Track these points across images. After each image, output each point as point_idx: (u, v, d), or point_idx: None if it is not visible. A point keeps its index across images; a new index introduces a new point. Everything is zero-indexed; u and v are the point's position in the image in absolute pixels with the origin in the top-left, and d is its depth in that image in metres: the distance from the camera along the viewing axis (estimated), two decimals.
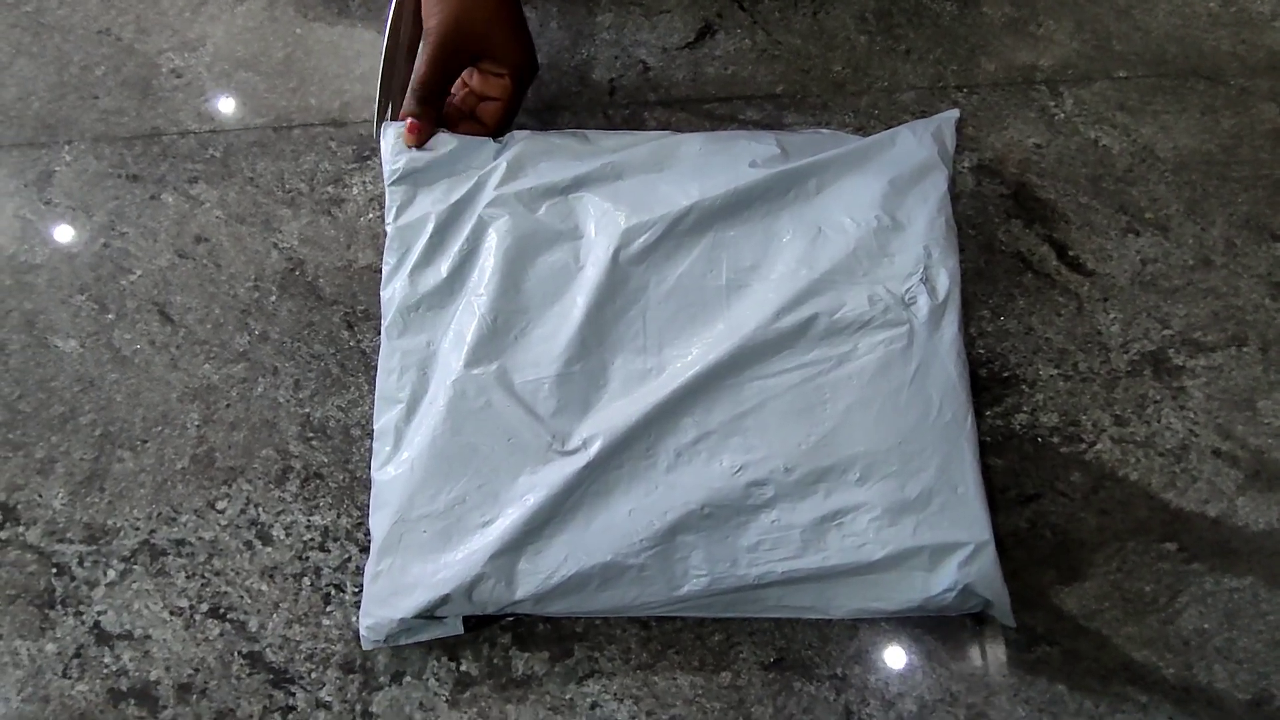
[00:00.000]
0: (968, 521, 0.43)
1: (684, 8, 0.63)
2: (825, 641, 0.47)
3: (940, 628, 0.47)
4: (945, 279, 0.48)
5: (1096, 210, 0.56)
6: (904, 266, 0.48)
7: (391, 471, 0.47)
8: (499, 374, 0.47)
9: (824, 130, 0.56)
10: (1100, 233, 0.56)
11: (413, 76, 0.50)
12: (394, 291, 0.50)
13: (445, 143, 0.51)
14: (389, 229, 0.51)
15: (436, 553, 0.44)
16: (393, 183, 0.51)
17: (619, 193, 0.50)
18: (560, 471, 0.44)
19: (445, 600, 0.44)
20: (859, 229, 0.49)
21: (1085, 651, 0.47)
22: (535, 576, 0.43)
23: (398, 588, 0.44)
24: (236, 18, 0.64)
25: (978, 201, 0.57)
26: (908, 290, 0.48)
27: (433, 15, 0.49)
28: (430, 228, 0.50)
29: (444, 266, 0.49)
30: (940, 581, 0.43)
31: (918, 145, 0.51)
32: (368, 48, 0.63)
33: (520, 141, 0.52)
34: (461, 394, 0.46)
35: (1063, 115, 0.59)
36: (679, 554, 0.44)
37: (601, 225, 0.49)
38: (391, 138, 0.51)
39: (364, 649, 0.46)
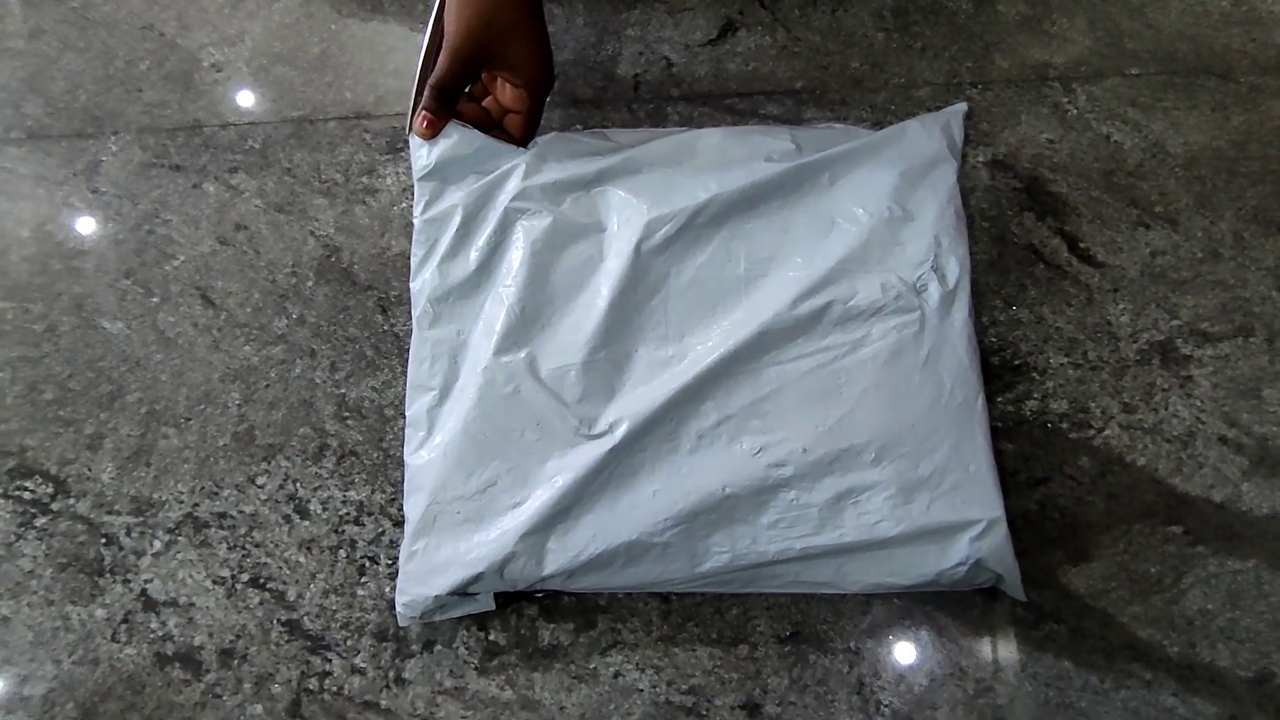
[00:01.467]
0: (979, 498, 0.45)
1: (706, 6, 0.65)
2: (839, 616, 0.49)
3: (950, 605, 0.49)
4: (955, 267, 0.50)
5: (1107, 204, 0.58)
6: (915, 255, 0.50)
7: (425, 456, 0.49)
8: (527, 361, 0.49)
9: (837, 125, 0.58)
10: (1111, 226, 0.57)
11: (432, 75, 0.52)
12: (423, 283, 0.52)
13: (472, 141, 0.53)
14: (416, 222, 0.53)
15: (469, 533, 0.46)
16: (421, 178, 0.53)
17: (640, 186, 0.52)
18: (587, 455, 0.46)
19: (478, 578, 0.46)
20: (871, 219, 0.51)
21: (1091, 629, 0.48)
22: (564, 554, 0.45)
23: (432, 567, 0.46)
24: (274, 14, 0.67)
25: (991, 195, 0.58)
26: (919, 278, 0.49)
27: (453, 21, 0.51)
28: (457, 220, 0.52)
29: (472, 258, 0.51)
30: (953, 556, 0.44)
31: (927, 138, 0.52)
32: (400, 43, 0.65)
33: (543, 141, 0.54)
34: (491, 381, 0.48)
35: (1075, 111, 0.60)
36: (701, 532, 0.46)
37: (624, 218, 0.51)
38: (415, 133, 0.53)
39: (400, 625, 0.48)
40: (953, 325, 0.49)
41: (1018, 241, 0.57)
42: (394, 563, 0.51)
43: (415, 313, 0.52)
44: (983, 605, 0.49)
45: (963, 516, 0.45)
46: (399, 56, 0.65)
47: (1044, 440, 0.52)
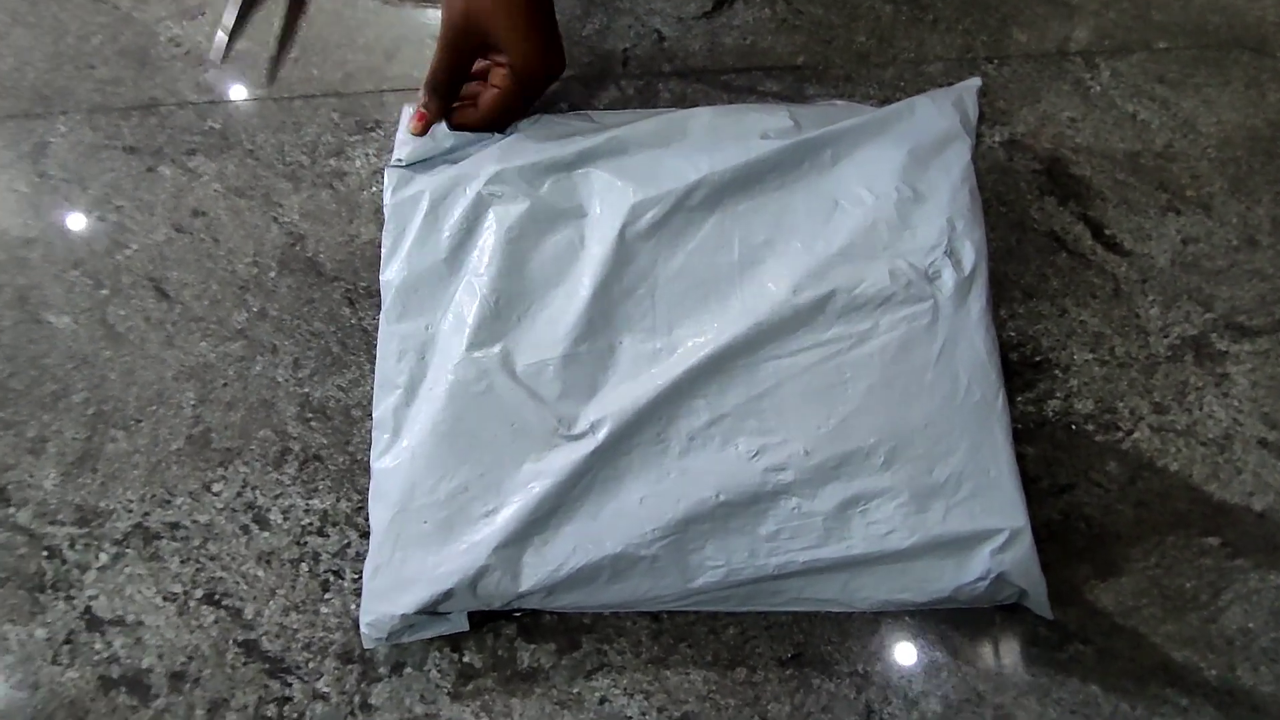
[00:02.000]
0: (1001, 506, 0.41)
1: None
2: (845, 636, 0.45)
3: (967, 623, 0.45)
4: (971, 251, 0.46)
5: (1134, 188, 0.54)
6: (926, 239, 0.46)
7: (390, 461, 0.45)
8: (501, 357, 0.45)
9: (838, 102, 0.53)
10: (1138, 211, 0.53)
11: (428, 67, 0.49)
12: (393, 274, 0.48)
13: (446, 136, 0.50)
14: (386, 209, 0.49)
15: (438, 545, 0.42)
16: (392, 165, 0.50)
17: (625, 168, 0.48)
18: (567, 457, 0.42)
19: (448, 595, 0.42)
20: (878, 201, 0.46)
21: (1121, 651, 0.44)
22: (542, 568, 0.41)
23: (398, 582, 0.43)
24: None
25: (1009, 178, 0.54)
26: (931, 264, 0.45)
27: (447, 6, 0.48)
28: (425, 204, 0.48)
29: (442, 245, 0.47)
30: (972, 570, 0.41)
31: (938, 114, 0.48)
32: (371, 17, 0.61)
33: (521, 123, 0.51)
34: (462, 379, 0.44)
35: (1099, 88, 0.56)
36: (693, 544, 0.42)
37: (607, 201, 0.47)
38: (404, 121, 0.51)
39: (365, 647, 0.45)
40: (969, 315, 0.44)
41: (1038, 228, 0.53)
42: (360, 577, 0.47)
43: (384, 306, 0.48)
44: (1001, 624, 0.45)
45: (982, 526, 0.41)
46: (370, 31, 0.60)
47: (1068, 443, 0.48)
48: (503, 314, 0.46)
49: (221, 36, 0.54)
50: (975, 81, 0.51)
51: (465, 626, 0.44)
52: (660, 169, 0.48)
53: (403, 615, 0.42)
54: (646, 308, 0.45)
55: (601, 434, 0.42)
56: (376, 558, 0.43)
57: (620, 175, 0.48)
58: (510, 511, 0.42)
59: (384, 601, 0.43)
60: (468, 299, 0.46)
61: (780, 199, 0.47)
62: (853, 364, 0.43)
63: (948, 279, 0.45)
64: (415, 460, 0.44)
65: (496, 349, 0.45)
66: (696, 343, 0.45)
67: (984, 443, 0.42)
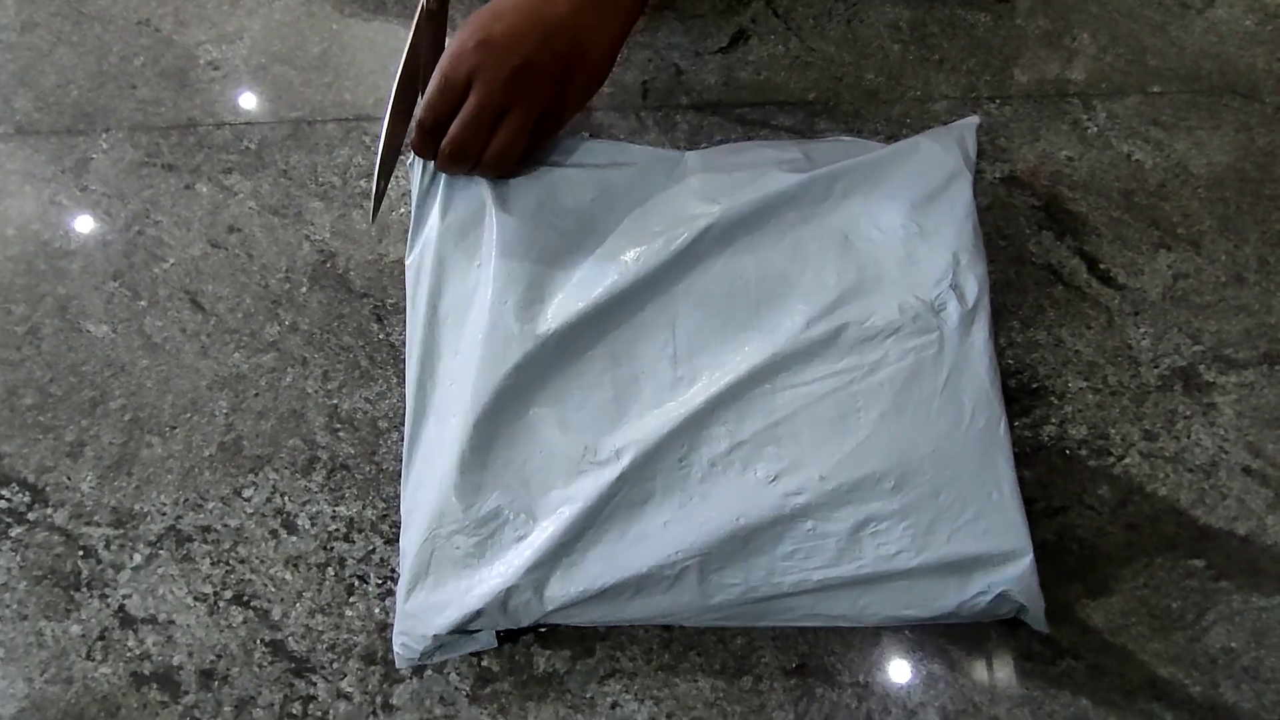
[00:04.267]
0: (1003, 527, 0.43)
1: (718, 13, 0.63)
2: (848, 648, 0.47)
3: (964, 639, 0.47)
4: (974, 285, 0.48)
5: (1128, 224, 0.56)
6: (932, 274, 0.48)
7: (424, 485, 0.46)
8: (528, 385, 0.46)
9: (845, 138, 0.56)
10: (1132, 247, 0.56)
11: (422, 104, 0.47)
12: (417, 300, 0.49)
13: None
14: (408, 259, 0.50)
15: (471, 569, 0.44)
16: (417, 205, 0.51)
17: (643, 201, 0.50)
18: (593, 483, 0.44)
19: (479, 615, 0.43)
20: (885, 237, 0.49)
21: (1110, 667, 0.46)
22: (571, 588, 0.43)
23: (431, 605, 0.44)
24: (274, 12, 0.65)
25: (1009, 213, 0.56)
26: (937, 297, 0.47)
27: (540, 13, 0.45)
28: (452, 217, 0.49)
29: (467, 281, 0.49)
30: (974, 587, 0.43)
31: (942, 152, 0.51)
32: (403, 44, 0.63)
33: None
34: (490, 406, 0.46)
35: (1095, 128, 0.59)
36: (714, 564, 0.43)
37: (627, 234, 0.49)
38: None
39: (397, 667, 0.46)
40: (973, 346, 0.47)
41: (1036, 261, 0.55)
42: (384, 582, 0.49)
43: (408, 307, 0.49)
44: (997, 639, 0.47)
45: (986, 547, 0.43)
46: (400, 58, 0.63)
47: (1062, 467, 0.50)
48: (526, 340, 0.47)
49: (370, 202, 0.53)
50: (974, 119, 0.53)
51: (494, 644, 0.46)
52: (678, 204, 0.50)
53: (435, 636, 0.44)
54: (667, 338, 0.47)
55: (626, 461, 0.44)
56: (409, 580, 0.45)
57: (639, 209, 0.50)
58: (541, 536, 0.44)
59: (417, 623, 0.44)
60: (492, 327, 0.47)
61: (794, 234, 0.49)
62: (864, 393, 0.46)
63: (953, 311, 0.47)
64: (446, 484, 0.45)
65: (522, 378, 0.46)
66: (716, 372, 0.46)
67: (987, 468, 0.44)
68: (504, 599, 0.43)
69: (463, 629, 0.44)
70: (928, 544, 0.43)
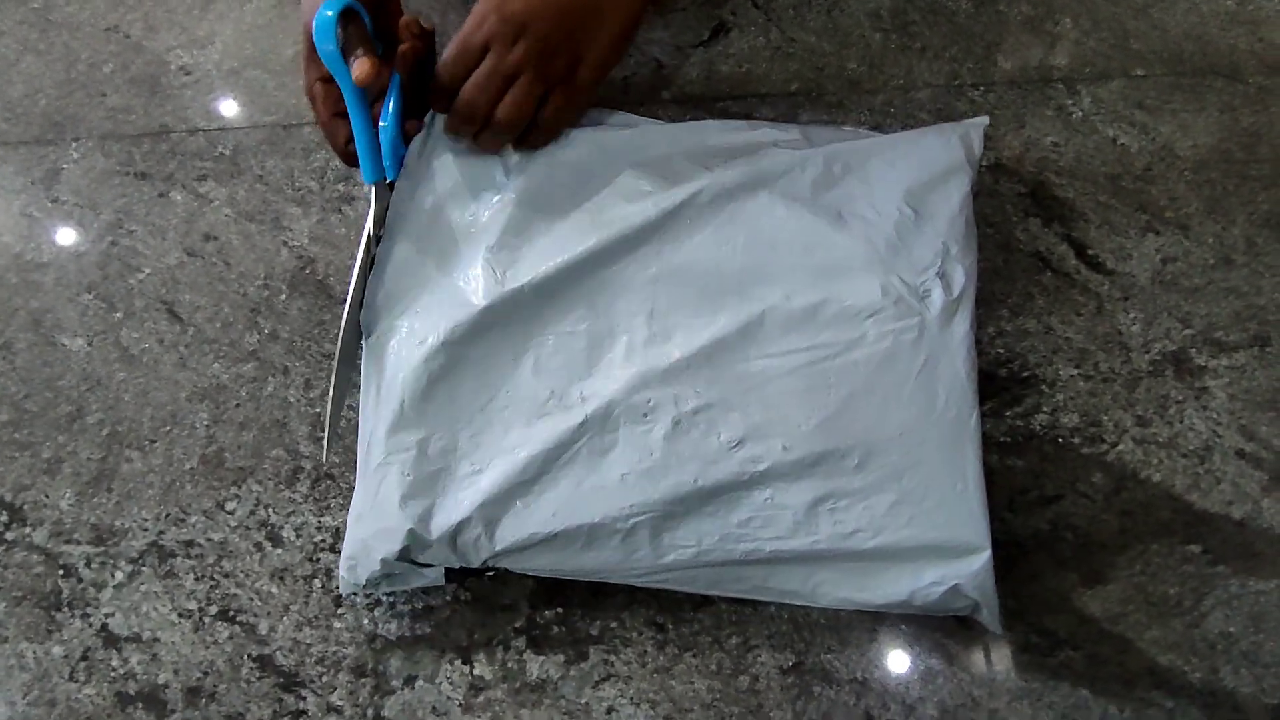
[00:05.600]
0: (963, 519, 0.43)
1: (698, 6, 0.63)
2: (845, 645, 0.46)
3: (960, 632, 0.46)
4: (961, 276, 0.48)
5: (1115, 209, 0.56)
6: (921, 260, 0.48)
7: (381, 412, 0.46)
8: (501, 325, 0.46)
9: (847, 128, 0.55)
10: (1119, 231, 0.55)
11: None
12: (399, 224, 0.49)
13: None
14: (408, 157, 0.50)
15: (422, 497, 0.44)
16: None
17: (638, 163, 0.50)
18: (555, 427, 0.44)
19: (427, 544, 0.43)
20: (880, 218, 0.48)
21: (1109, 656, 0.46)
22: (521, 529, 0.43)
23: (380, 529, 0.44)
24: (245, 15, 0.64)
25: (995, 200, 0.56)
26: (923, 283, 0.47)
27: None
28: (450, 163, 0.49)
29: (465, 209, 0.49)
30: (928, 577, 0.42)
31: (945, 147, 0.50)
32: None
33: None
34: (461, 341, 0.46)
35: (1080, 114, 0.58)
36: (668, 523, 0.43)
37: (618, 191, 0.49)
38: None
39: (343, 593, 0.46)
40: (953, 336, 0.46)
41: (1023, 248, 0.55)
42: (372, 594, 0.48)
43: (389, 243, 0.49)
44: (994, 633, 0.46)
45: (944, 537, 0.42)
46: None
47: (1055, 456, 0.50)
48: (506, 284, 0.46)
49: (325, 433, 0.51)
50: (983, 120, 0.53)
51: (441, 581, 0.46)
52: (671, 168, 0.49)
53: (382, 560, 0.43)
54: (647, 295, 0.47)
55: (590, 409, 0.44)
56: (360, 505, 0.45)
57: (634, 169, 0.49)
58: (495, 472, 0.44)
59: (364, 547, 0.44)
60: (473, 267, 0.47)
61: (785, 206, 0.49)
62: (838, 369, 0.45)
63: (937, 299, 0.47)
64: (406, 415, 0.45)
65: (497, 317, 0.46)
66: (692, 334, 0.46)
67: (954, 458, 0.44)
68: (454, 532, 0.43)
69: (411, 560, 0.44)
70: (885, 526, 0.42)
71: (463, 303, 0.46)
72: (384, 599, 0.48)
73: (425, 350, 0.46)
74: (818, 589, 0.44)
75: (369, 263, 0.48)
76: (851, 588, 0.43)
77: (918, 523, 0.42)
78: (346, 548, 0.45)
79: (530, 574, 0.46)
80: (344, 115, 0.46)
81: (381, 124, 0.47)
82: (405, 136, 0.48)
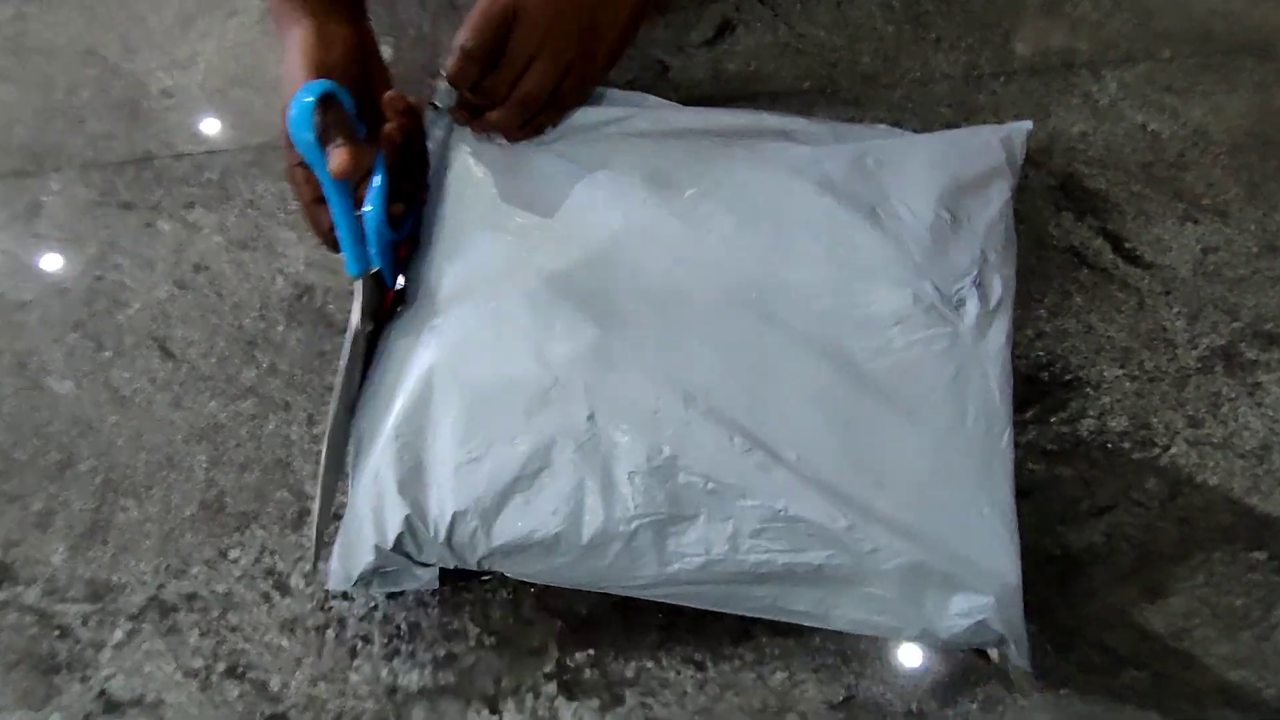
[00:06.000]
0: (991, 546, 0.40)
1: (700, 4, 0.60)
2: (896, 675, 0.44)
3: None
4: (999, 286, 0.45)
5: (1150, 199, 0.53)
6: (957, 266, 0.45)
7: (381, 395, 0.44)
8: (509, 309, 0.44)
9: (879, 126, 0.53)
10: (1156, 222, 0.53)
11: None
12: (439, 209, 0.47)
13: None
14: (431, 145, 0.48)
15: (418, 485, 0.41)
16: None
17: (663, 149, 0.48)
18: (559, 419, 0.41)
19: (420, 537, 0.41)
20: (913, 220, 0.46)
21: (1176, 674, 0.43)
22: (520, 527, 0.40)
23: (374, 519, 0.41)
24: (228, 32, 0.61)
25: (1025, 194, 0.53)
26: (958, 291, 0.44)
27: None
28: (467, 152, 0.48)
29: (480, 191, 0.47)
30: (953, 607, 0.39)
31: (985, 149, 0.48)
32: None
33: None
34: (466, 323, 0.44)
35: (1107, 100, 0.56)
36: (674, 528, 0.41)
37: (640, 179, 0.47)
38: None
39: (332, 590, 0.44)
40: (987, 348, 0.44)
41: (1057, 244, 0.52)
42: (390, 641, 0.46)
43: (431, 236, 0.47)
44: (1055, 655, 0.44)
45: (968, 563, 0.39)
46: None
47: (1105, 463, 0.47)
48: (520, 266, 0.44)
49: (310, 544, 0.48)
50: (1026, 125, 0.50)
51: (435, 584, 0.43)
52: (699, 154, 0.47)
53: (375, 548, 0.41)
54: (664, 286, 0.44)
55: (595, 403, 0.42)
56: (354, 491, 0.42)
57: (657, 154, 0.47)
58: (494, 464, 0.41)
59: (356, 538, 0.41)
60: (486, 243, 0.45)
61: (815, 200, 0.46)
62: (860, 376, 0.43)
63: (971, 309, 0.44)
64: (407, 397, 0.42)
65: (506, 300, 0.44)
66: (708, 330, 0.44)
67: (982, 478, 0.41)
68: (450, 525, 0.40)
69: (405, 554, 0.41)
70: (905, 548, 0.39)
71: (469, 290, 0.44)
72: (402, 648, 0.45)
73: (431, 336, 0.44)
74: (832, 610, 0.41)
75: (359, 358, 0.45)
76: (869, 610, 0.41)
77: (941, 547, 0.39)
78: (339, 539, 0.42)
79: (528, 580, 0.44)
80: (326, 201, 0.43)
81: (365, 209, 0.43)
82: (392, 219, 0.44)
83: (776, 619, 0.43)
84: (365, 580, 0.42)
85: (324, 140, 0.41)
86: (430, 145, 0.48)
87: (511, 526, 0.40)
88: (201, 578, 0.47)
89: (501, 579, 0.46)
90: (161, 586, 0.47)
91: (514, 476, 0.41)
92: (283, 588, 0.47)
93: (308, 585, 0.47)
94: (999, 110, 0.56)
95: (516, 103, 0.46)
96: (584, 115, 0.49)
